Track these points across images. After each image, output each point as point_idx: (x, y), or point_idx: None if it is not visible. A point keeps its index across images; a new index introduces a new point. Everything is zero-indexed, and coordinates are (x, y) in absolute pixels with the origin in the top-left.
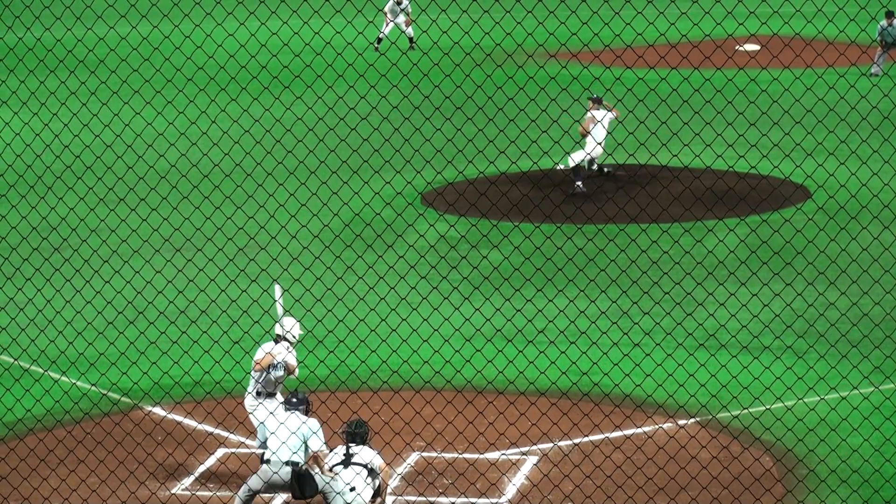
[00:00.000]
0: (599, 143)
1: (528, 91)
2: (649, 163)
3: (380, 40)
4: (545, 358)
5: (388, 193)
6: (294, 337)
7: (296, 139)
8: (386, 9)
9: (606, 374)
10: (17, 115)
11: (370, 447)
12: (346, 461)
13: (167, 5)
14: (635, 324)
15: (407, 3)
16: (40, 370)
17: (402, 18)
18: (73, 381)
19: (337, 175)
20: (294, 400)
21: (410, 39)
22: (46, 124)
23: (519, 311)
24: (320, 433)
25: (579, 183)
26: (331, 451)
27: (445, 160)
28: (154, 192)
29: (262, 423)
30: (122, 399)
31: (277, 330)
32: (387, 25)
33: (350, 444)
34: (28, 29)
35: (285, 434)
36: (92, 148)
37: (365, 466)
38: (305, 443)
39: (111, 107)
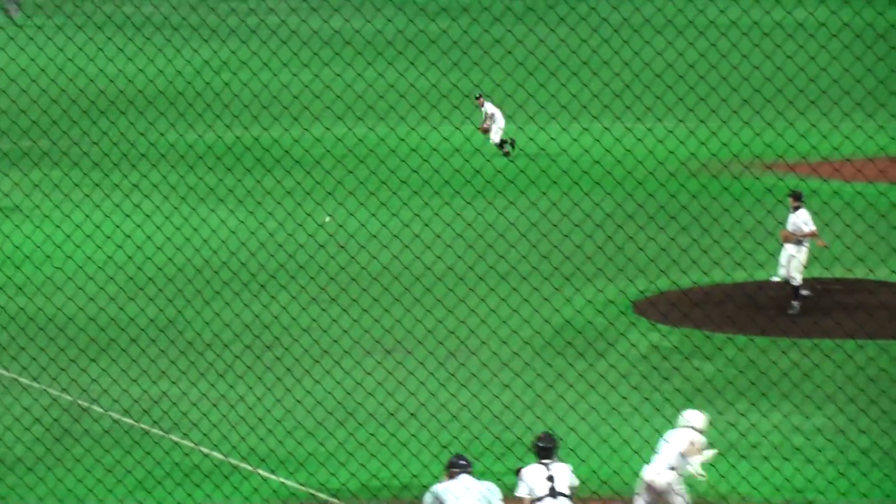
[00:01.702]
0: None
1: (744, 202)
2: (867, 278)
3: (503, 147)
4: (758, 473)
5: (600, 301)
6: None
7: (508, 244)
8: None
9: (822, 492)
10: (233, 214)
11: (565, 463)
12: (553, 492)
13: (383, 108)
14: (852, 442)
15: (491, 109)
16: (249, 468)
17: (493, 126)
18: (282, 480)
19: (548, 281)
20: (462, 462)
21: (499, 146)
22: (262, 223)
23: (732, 425)
24: (501, 495)
25: (796, 303)
26: (529, 486)
27: (658, 269)
28: (365, 292)
29: (439, 490)
30: (331, 500)
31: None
32: (494, 133)
33: (545, 463)
34: (246, 129)
35: (471, 500)
36: (305, 247)
37: (570, 497)
38: None
39: (326, 207)
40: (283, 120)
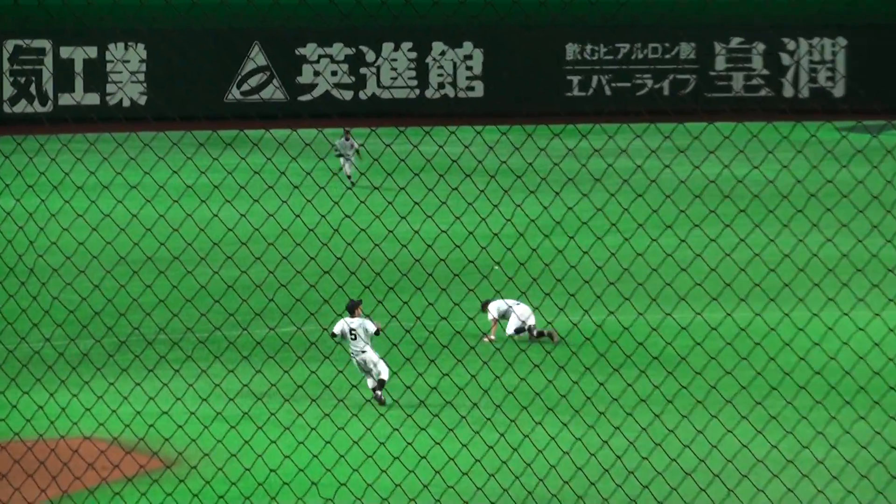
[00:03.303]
0: None
1: None
2: None
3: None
4: None
5: None
6: None
7: None
8: None
9: None
10: (566, 427)
11: None
12: None
13: (774, 285)
14: None
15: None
16: None
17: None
18: None
19: None
20: None
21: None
22: (605, 439)
23: None
24: None
25: None
26: None
27: None
28: None
29: None
30: None
31: None
32: None
33: None
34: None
35: None
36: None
37: None
38: None
39: (694, 420)
40: (637, 300)
